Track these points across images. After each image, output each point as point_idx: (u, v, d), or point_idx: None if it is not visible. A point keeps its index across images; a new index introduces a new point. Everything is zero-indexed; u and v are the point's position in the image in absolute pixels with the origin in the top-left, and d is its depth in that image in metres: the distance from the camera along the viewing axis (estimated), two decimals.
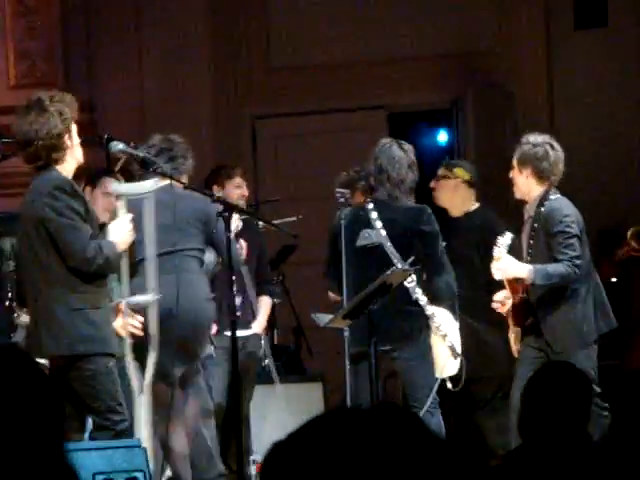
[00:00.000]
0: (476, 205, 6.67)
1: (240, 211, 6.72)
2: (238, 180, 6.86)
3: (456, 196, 6.68)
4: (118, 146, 5.31)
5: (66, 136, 4.86)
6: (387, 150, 5.88)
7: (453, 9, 8.47)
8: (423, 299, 5.78)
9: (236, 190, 6.84)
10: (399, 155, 5.86)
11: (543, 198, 5.71)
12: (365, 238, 5.89)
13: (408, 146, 5.91)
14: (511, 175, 5.78)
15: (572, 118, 8.28)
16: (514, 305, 5.73)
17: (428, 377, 5.82)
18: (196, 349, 5.73)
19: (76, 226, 4.79)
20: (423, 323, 5.77)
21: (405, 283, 5.73)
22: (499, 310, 5.82)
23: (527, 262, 5.69)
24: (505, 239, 5.73)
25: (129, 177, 5.89)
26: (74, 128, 4.93)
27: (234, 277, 5.96)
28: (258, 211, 7.81)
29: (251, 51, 8.92)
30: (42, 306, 4.86)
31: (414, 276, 5.76)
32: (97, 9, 9.07)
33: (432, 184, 6.60)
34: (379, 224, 5.85)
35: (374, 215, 5.82)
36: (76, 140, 4.97)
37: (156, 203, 5.30)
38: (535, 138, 5.87)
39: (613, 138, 8.26)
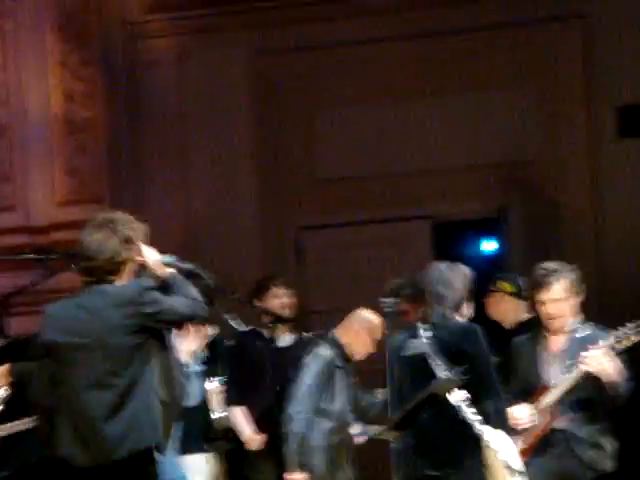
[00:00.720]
0: (528, 316, 6.71)
1: (287, 321, 7.09)
2: (275, 290, 7.11)
3: (503, 309, 6.82)
4: (167, 258, 5.41)
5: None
6: (438, 274, 6.02)
7: (498, 118, 8.63)
8: (472, 416, 5.70)
9: (275, 300, 7.08)
10: (451, 277, 6.00)
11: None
12: (413, 348, 5.95)
13: (459, 265, 6.07)
14: (559, 316, 5.88)
15: (617, 228, 8.42)
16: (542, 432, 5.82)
17: None
18: None
19: None
20: (474, 445, 5.67)
21: (456, 402, 5.70)
22: (516, 425, 5.83)
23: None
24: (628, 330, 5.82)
25: None
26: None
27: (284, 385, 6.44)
28: (306, 323, 7.89)
29: (297, 162, 9.15)
30: None
31: (465, 394, 5.70)
32: (143, 127, 9.38)
33: (483, 299, 6.76)
34: (427, 344, 5.93)
35: (422, 335, 5.91)
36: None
37: None
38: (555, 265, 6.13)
39: None
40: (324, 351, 6.63)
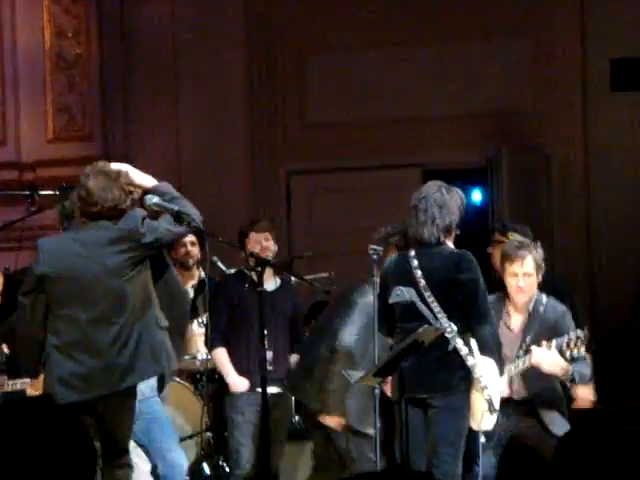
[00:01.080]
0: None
1: (272, 266, 6.98)
2: (256, 236, 7.09)
3: None
4: (153, 199, 5.58)
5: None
6: (434, 194, 6.00)
7: (490, 69, 8.67)
8: (464, 349, 5.79)
9: (256, 245, 7.07)
10: (447, 199, 5.98)
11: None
12: (397, 296, 5.93)
13: (455, 190, 6.06)
14: (526, 291, 6.06)
15: (606, 179, 8.51)
16: None
17: (455, 433, 5.84)
18: None
19: None
20: (463, 375, 5.79)
21: (448, 335, 5.80)
22: None
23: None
24: (579, 337, 6.00)
25: None
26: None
27: (266, 332, 6.11)
28: (292, 267, 7.97)
29: (287, 108, 9.17)
30: None
31: (454, 326, 5.80)
32: (136, 67, 9.40)
33: (489, 249, 6.79)
34: (419, 273, 5.91)
35: (415, 263, 5.89)
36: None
37: None
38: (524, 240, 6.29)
39: None
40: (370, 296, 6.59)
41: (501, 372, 6.05)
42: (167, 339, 5.55)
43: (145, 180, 5.74)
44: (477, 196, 9.11)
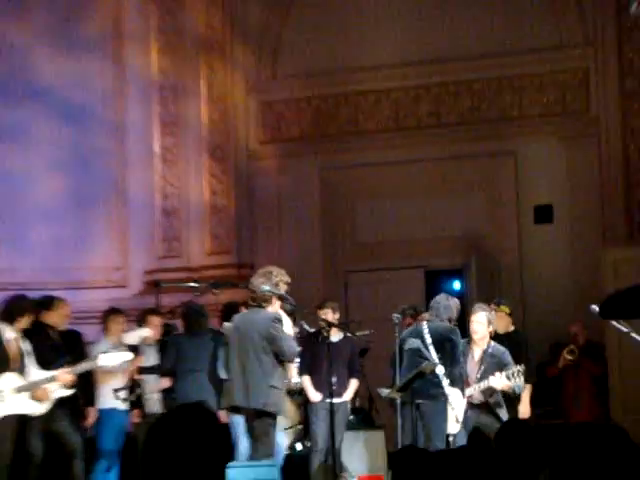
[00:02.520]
0: (512, 328, 8.93)
1: (336, 326, 8.78)
2: (328, 306, 8.81)
3: (503, 323, 8.79)
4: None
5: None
6: (442, 301, 7.91)
7: (459, 208, 11.39)
8: (445, 382, 7.60)
9: (328, 313, 8.63)
10: (449, 304, 7.89)
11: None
12: (411, 344, 7.80)
13: (453, 298, 7.93)
14: (479, 333, 7.77)
15: (538, 277, 11.38)
16: None
17: (440, 426, 7.57)
18: None
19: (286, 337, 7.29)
20: (443, 396, 7.56)
21: (437, 372, 7.48)
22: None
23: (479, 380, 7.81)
24: (519, 370, 7.66)
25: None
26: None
27: (332, 366, 8.00)
28: (348, 327, 9.73)
29: (346, 232, 12.04)
30: None
31: (443, 369, 7.52)
32: (255, 211, 12.05)
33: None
34: (427, 334, 7.71)
35: (425, 329, 7.78)
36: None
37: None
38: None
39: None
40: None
41: (463, 394, 7.67)
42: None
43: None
44: (457, 285, 11.87)
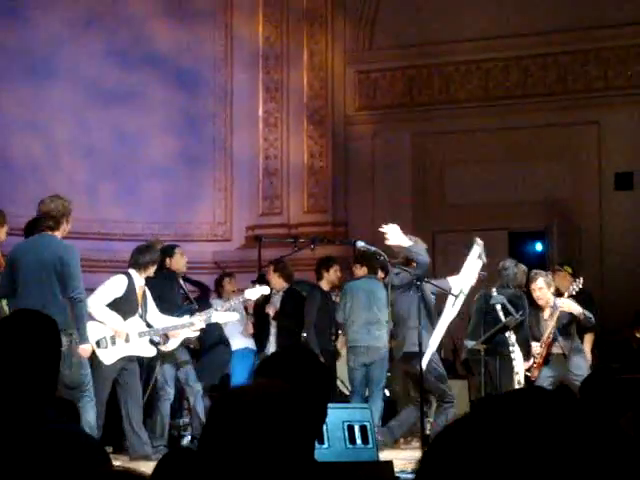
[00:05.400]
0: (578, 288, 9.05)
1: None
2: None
3: (565, 282, 9.27)
4: (360, 243, 8.51)
5: None
6: (510, 267, 8.67)
7: (543, 174, 12.19)
8: (513, 343, 8.41)
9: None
10: (516, 271, 8.67)
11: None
12: (495, 299, 8.53)
13: (520, 265, 8.73)
14: (542, 297, 8.29)
15: (619, 243, 12.12)
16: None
17: (508, 377, 8.22)
18: None
19: None
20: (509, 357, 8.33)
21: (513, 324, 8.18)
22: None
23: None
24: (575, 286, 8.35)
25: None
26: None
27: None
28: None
29: (435, 195, 12.82)
30: None
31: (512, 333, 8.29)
32: (349, 172, 12.95)
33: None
34: (499, 296, 8.60)
35: (495, 293, 8.65)
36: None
37: None
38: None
39: None
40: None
41: (527, 357, 8.28)
42: None
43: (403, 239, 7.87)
44: (539, 247, 12.62)
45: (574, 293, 8.60)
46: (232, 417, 1.89)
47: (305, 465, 1.90)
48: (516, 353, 8.23)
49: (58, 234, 7.37)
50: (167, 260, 9.28)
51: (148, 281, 8.65)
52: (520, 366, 8.23)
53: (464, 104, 12.69)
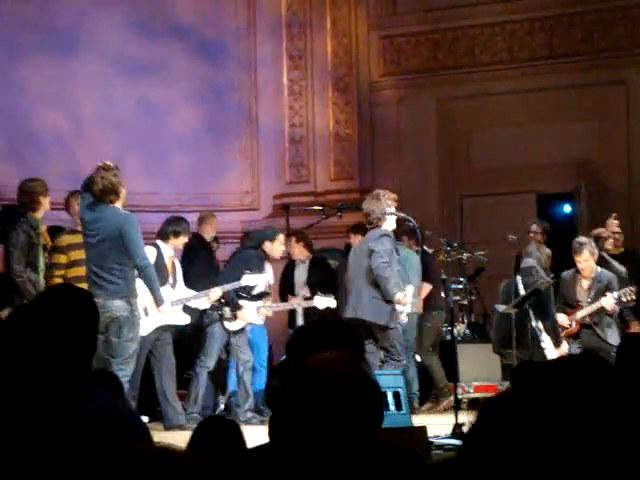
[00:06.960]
0: (622, 250, 9.81)
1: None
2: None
3: (612, 226, 9.87)
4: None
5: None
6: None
7: (570, 135, 12.09)
8: (540, 326, 8.55)
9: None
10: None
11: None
12: (525, 263, 8.83)
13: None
14: (586, 269, 8.51)
15: None
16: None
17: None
18: None
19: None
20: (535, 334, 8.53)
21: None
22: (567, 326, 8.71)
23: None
24: (631, 290, 8.43)
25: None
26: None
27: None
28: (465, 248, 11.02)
29: (461, 159, 12.76)
30: None
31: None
32: (375, 139, 12.96)
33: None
34: (521, 285, 8.58)
35: (519, 281, 8.65)
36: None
37: None
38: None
39: None
40: None
41: (555, 344, 8.39)
42: None
43: None
44: (568, 208, 12.54)
45: (624, 300, 8.64)
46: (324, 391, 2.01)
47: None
48: (546, 342, 8.34)
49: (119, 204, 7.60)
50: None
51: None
52: (552, 355, 8.29)
53: (489, 67, 12.69)
